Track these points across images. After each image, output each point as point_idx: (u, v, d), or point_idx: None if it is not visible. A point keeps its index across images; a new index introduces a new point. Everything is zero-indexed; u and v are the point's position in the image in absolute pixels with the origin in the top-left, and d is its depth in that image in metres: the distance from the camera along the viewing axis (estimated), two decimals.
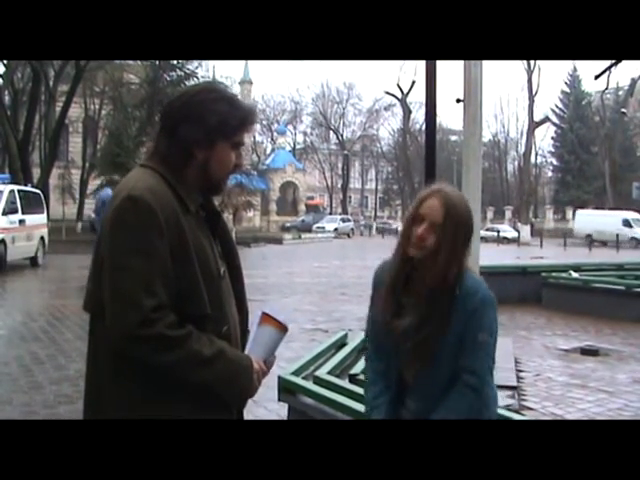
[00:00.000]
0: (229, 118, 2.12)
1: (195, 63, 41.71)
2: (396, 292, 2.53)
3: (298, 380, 4.58)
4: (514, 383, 7.40)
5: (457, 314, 2.43)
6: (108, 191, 15.22)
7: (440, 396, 2.44)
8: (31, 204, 21.28)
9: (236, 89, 63.39)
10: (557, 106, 76.45)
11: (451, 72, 10.21)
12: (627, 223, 48.07)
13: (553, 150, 78.11)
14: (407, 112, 60.51)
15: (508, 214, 66.53)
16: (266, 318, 2.23)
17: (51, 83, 38.38)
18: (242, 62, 73.65)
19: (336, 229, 58.28)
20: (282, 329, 2.25)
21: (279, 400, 4.65)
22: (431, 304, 2.44)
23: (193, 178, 2.14)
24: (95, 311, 2.07)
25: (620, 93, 67.47)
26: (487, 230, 48.40)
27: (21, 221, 20.05)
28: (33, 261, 21.30)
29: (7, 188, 20.06)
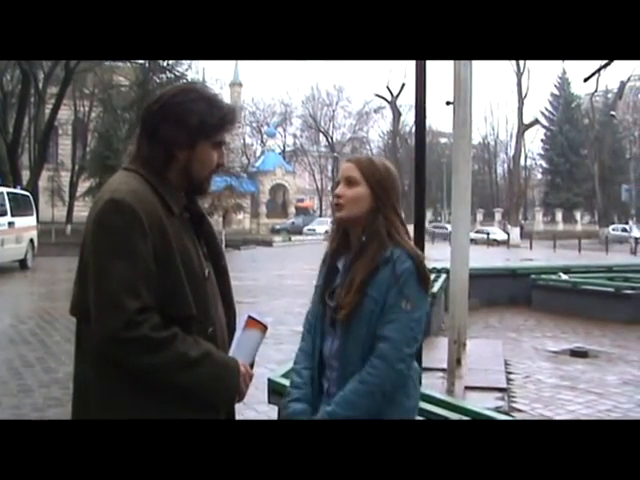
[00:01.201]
0: (209, 117, 2.11)
1: (185, 65, 41.62)
2: (332, 259, 2.51)
3: (288, 382, 4.56)
4: (504, 385, 7.41)
5: (382, 275, 2.31)
6: None
7: (359, 364, 2.31)
8: (20, 206, 21.22)
9: (226, 91, 63.40)
10: (547, 109, 76.92)
11: (441, 74, 10.24)
12: None
13: (543, 152, 78.52)
14: (397, 114, 60.46)
15: (498, 216, 66.66)
16: (251, 322, 2.21)
17: (40, 85, 38.18)
18: (232, 64, 73.74)
19: (326, 231, 58.22)
20: (264, 330, 2.24)
21: (269, 402, 4.63)
22: (360, 251, 2.38)
23: (176, 179, 2.12)
24: (81, 315, 2.05)
25: (609, 96, 67.83)
26: (477, 232, 48.38)
27: (10, 223, 19.99)
28: (22, 264, 21.23)
29: None
